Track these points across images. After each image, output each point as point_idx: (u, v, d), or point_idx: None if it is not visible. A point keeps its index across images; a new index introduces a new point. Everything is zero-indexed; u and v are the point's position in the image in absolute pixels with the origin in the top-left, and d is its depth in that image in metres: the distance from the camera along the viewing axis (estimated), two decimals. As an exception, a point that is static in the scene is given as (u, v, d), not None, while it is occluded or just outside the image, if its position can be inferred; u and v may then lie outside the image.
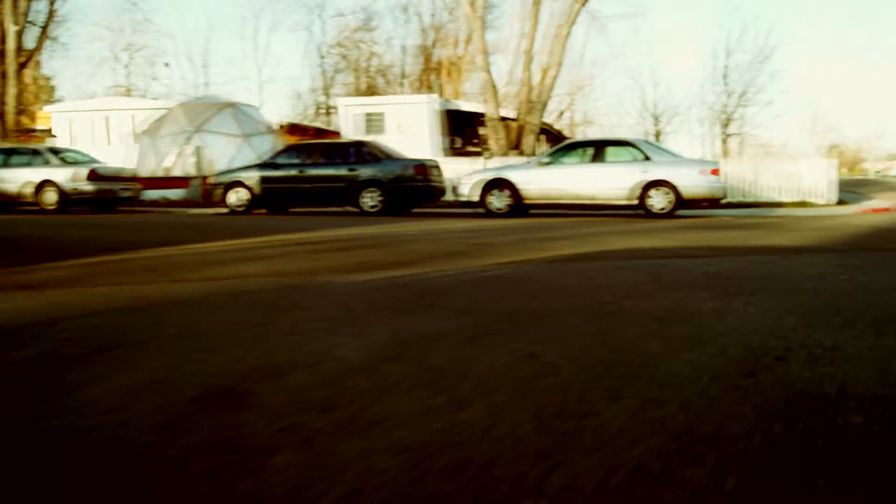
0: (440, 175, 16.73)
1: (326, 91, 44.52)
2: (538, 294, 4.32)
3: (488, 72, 21.67)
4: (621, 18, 56.61)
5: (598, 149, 14.48)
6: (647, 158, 13.89)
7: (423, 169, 15.81)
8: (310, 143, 18.68)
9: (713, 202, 13.95)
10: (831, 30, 79.65)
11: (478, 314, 3.66)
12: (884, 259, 6.46)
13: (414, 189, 15.59)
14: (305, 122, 32.60)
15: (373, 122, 26.21)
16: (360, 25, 46.08)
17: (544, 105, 22.02)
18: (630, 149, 14.37)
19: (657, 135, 41.49)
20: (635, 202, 13.83)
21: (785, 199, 17.95)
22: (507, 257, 6.45)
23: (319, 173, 16.13)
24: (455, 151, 25.90)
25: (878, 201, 19.55)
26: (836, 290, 4.31)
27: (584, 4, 21.31)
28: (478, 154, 22.31)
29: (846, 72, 77.79)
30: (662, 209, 13.61)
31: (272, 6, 65.81)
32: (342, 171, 15.94)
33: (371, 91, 41.58)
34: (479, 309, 3.81)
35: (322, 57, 46.13)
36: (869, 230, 10.08)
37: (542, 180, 14.40)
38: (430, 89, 41.94)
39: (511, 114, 23.62)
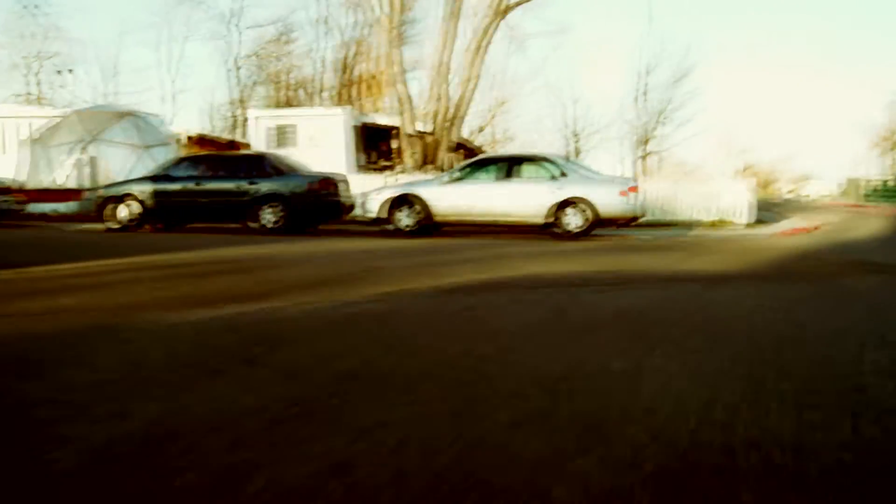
0: (348, 190, 15.64)
1: (243, 103, 42.87)
2: (400, 343, 3.32)
3: (404, 83, 20.77)
4: (543, 35, 56.84)
5: (511, 165, 13.68)
6: (562, 175, 13.15)
7: (329, 184, 14.68)
8: (207, 155, 17.32)
9: (630, 221, 13.30)
10: (747, 54, 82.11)
11: (307, 378, 2.64)
12: (816, 290, 5.72)
13: (318, 205, 14.44)
14: (215, 135, 30.95)
15: (284, 134, 24.92)
16: (276, 37, 44.69)
17: (461, 119, 21.22)
18: (545, 165, 13.61)
19: (576, 152, 41.37)
20: (550, 221, 13.05)
21: (702, 218, 17.57)
22: (391, 285, 5.45)
23: (217, 187, 14.81)
24: (371, 167, 24.85)
25: (793, 221, 19.42)
26: (776, 335, 3.46)
27: (502, 17, 20.66)
28: (393, 170, 21.34)
29: (760, 95, 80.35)
30: (578, 228, 12.87)
31: (186, 14, 63.37)
32: (241, 185, 14.66)
33: (289, 104, 40.20)
34: (313, 368, 2.78)
35: (238, 68, 44.52)
36: (790, 253, 9.50)
37: (453, 197, 13.48)
38: (350, 104, 40.83)
39: (428, 128, 22.72)
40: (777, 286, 5.78)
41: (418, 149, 20.34)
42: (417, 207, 13.54)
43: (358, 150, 25.12)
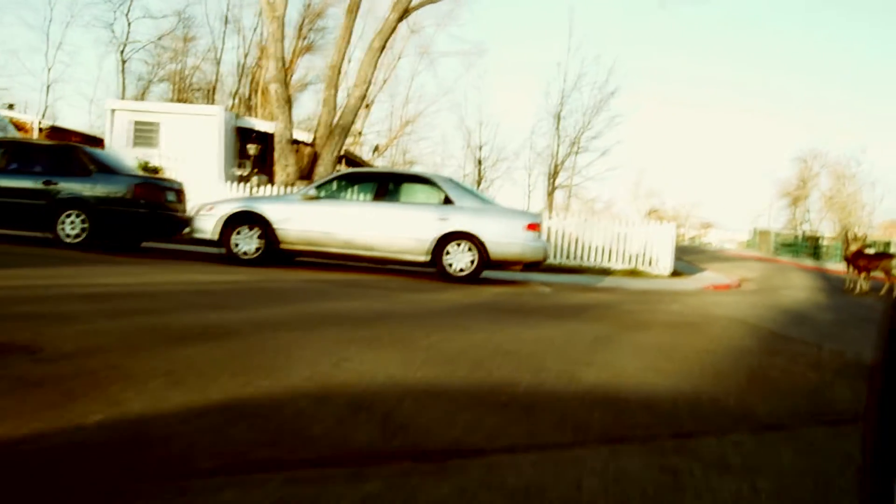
0: (183, 201, 12.32)
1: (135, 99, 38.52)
2: None
3: (281, 82, 17.56)
4: (456, 55, 54.50)
5: (384, 184, 10.69)
6: (448, 203, 10.26)
7: (153, 190, 11.35)
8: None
9: (532, 265, 10.48)
10: (660, 93, 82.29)
11: None
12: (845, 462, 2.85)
13: (136, 216, 11.04)
14: (75, 128, 26.81)
15: (143, 132, 21.26)
16: (170, 31, 40.67)
17: (346, 130, 18.16)
18: (428, 188, 10.70)
19: (478, 181, 38.79)
20: (427, 258, 10.11)
21: (615, 264, 15.04)
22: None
23: (8, 185, 11.25)
24: (245, 178, 21.39)
25: (714, 274, 17.18)
26: None
27: (401, 17, 17.82)
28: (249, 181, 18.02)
29: (669, 136, 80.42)
30: (462, 271, 9.98)
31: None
32: (37, 185, 11.16)
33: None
34: None
35: (124, 61, 40.21)
36: (745, 332, 6.80)
37: (305, 219, 10.38)
38: (251, 113, 37.20)
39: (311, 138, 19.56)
40: (783, 450, 2.90)
41: (292, 160, 17.15)
42: (259, 230, 10.37)
43: (235, 157, 21.72)
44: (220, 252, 10.70)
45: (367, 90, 18.15)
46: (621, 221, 15.43)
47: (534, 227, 10.10)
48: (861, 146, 79.26)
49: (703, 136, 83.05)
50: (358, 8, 18.71)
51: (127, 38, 39.21)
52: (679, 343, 5.35)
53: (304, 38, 41.98)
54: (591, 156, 45.08)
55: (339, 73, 19.11)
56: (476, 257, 9.98)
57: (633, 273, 14.51)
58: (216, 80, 39.77)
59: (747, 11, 77.24)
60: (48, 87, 39.77)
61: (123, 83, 38.60)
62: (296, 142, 18.50)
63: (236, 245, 10.46)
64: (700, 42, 78.03)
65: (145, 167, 20.35)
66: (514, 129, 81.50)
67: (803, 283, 16.65)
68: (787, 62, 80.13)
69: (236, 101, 42.10)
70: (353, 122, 18.52)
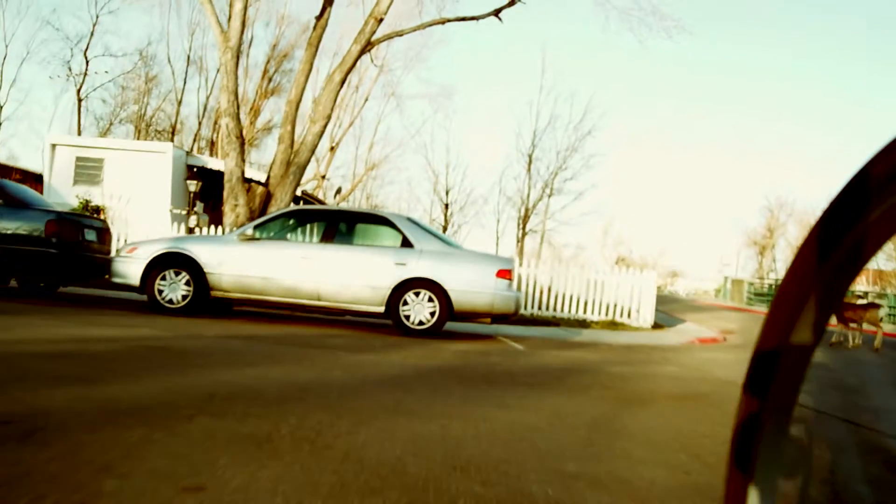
0: (107, 242, 10.86)
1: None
2: None
3: (233, 116, 16.23)
4: (424, 98, 53.70)
5: (334, 223, 9.34)
6: (407, 246, 8.94)
7: (69, 228, 9.90)
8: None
9: (502, 317, 9.14)
10: (629, 141, 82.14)
11: None
12: None
13: (46, 257, 9.55)
14: (12, 164, 25.14)
15: (86, 169, 19.77)
16: (130, 71, 39.24)
17: (303, 168, 16.83)
18: (384, 229, 9.39)
19: (445, 226, 37.50)
20: (381, 309, 8.75)
21: (592, 315, 13.78)
22: None
23: None
24: (186, 218, 19.87)
25: (695, 326, 16.00)
26: None
27: (364, 50, 16.66)
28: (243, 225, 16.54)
29: (634, 184, 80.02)
30: (421, 324, 8.63)
31: (28, 31, 56.15)
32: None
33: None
34: None
35: (80, 100, 38.63)
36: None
37: (242, 262, 8.98)
38: (215, 153, 35.77)
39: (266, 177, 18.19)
40: None
41: (243, 200, 15.75)
42: (187, 275, 8.96)
43: (186, 197, 20.25)
44: (144, 298, 9.24)
45: (325, 125, 16.87)
46: (598, 269, 14.21)
47: (505, 273, 8.80)
48: (828, 195, 79.32)
49: (670, 182, 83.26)
50: (319, 42, 17.57)
51: (84, 77, 37.71)
52: (700, 429, 4.02)
53: (270, 80, 40.90)
54: (566, 199, 43.59)
55: (298, 108, 17.85)
56: (438, 308, 8.64)
57: (613, 325, 13.25)
58: (176, 121, 38.31)
59: (720, 54, 78.02)
60: (0, 124, 38.03)
61: (79, 122, 36.99)
62: (248, 180, 17.17)
63: (160, 292, 9.02)
64: (670, 82, 78.47)
65: (85, 206, 18.81)
66: (484, 172, 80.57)
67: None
68: (756, 104, 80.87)
69: (199, 142, 40.69)
70: (309, 160, 17.21)
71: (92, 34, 37.17)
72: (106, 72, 39.94)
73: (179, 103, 37.99)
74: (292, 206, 9.75)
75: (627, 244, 66.38)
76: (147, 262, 9.04)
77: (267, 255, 9.02)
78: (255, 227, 9.25)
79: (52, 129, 37.82)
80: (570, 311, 13.86)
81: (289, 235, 9.59)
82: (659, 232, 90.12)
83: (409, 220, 9.38)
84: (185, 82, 36.93)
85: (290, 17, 36.72)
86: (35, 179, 21.94)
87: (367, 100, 36.91)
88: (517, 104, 61.45)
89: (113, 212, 19.35)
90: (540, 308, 13.84)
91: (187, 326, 7.40)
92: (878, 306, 13.72)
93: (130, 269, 9.10)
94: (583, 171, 39.60)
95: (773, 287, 36.60)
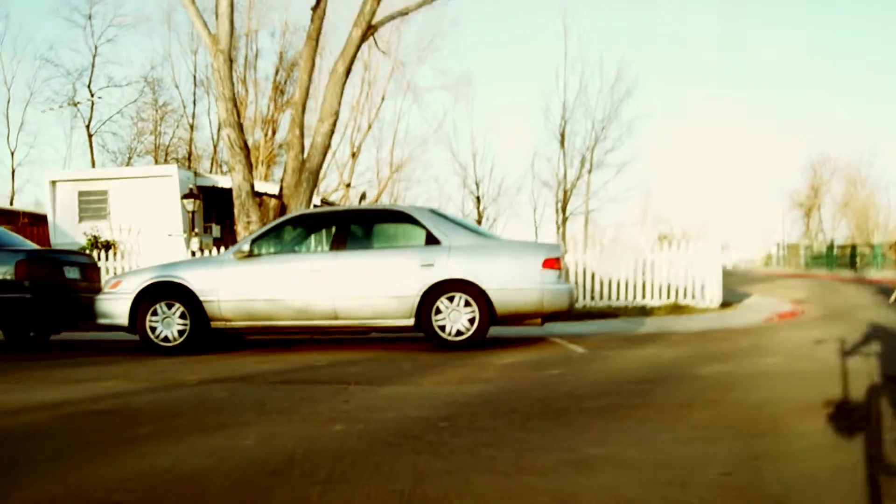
0: (95, 279, 9.63)
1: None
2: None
3: (236, 126, 14.95)
4: (442, 89, 52.11)
5: (344, 226, 7.94)
6: (433, 241, 7.51)
7: (45, 268, 8.70)
8: None
9: (554, 316, 7.66)
10: (662, 111, 78.86)
11: None
12: None
13: (17, 304, 8.31)
14: (10, 207, 24.28)
15: (91, 203, 18.72)
16: (135, 99, 38.40)
17: (316, 173, 15.49)
18: (404, 226, 8.00)
19: (479, 220, 35.86)
20: (411, 322, 7.34)
21: (651, 300, 12.21)
22: None
23: None
24: (217, 243, 18.67)
25: (764, 299, 14.33)
26: None
27: (365, 35, 15.30)
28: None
29: (675, 159, 76.82)
30: (459, 334, 7.21)
31: (29, 72, 55.47)
32: None
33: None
34: None
35: (90, 136, 37.94)
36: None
37: (241, 285, 7.66)
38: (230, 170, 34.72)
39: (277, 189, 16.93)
40: None
41: (255, 216, 14.46)
42: (181, 307, 7.67)
43: (199, 221, 19.10)
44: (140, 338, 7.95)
45: (334, 123, 15.51)
46: (654, 248, 12.63)
47: (553, 263, 7.32)
48: (871, 148, 76.35)
49: (707, 152, 79.82)
50: (318, 35, 16.22)
51: (92, 112, 37.01)
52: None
53: (283, 93, 39.67)
54: (607, 173, 41.18)
55: (304, 110, 16.55)
56: (477, 314, 7.21)
57: (677, 309, 11.67)
58: (191, 145, 37.40)
59: (743, 17, 75.16)
60: (13, 171, 37.50)
61: (93, 159, 36.25)
62: (259, 194, 15.91)
63: (153, 330, 7.73)
64: (697, 50, 75.58)
65: (95, 242, 17.74)
66: (515, 158, 77.71)
67: (866, 301, 13.72)
68: (787, 67, 77.77)
69: (216, 164, 39.75)
70: (322, 164, 15.88)
71: (93, 66, 36.40)
72: (117, 107, 39.23)
73: (192, 127, 37.08)
74: (293, 213, 8.40)
75: (668, 221, 63.71)
76: (135, 295, 7.74)
77: (270, 273, 7.67)
78: (253, 242, 7.89)
79: (68, 170, 37.17)
80: (626, 297, 12.31)
81: (292, 247, 8.23)
82: (699, 205, 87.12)
83: (433, 211, 7.95)
84: (194, 104, 36.03)
85: (296, 24, 35.25)
86: (36, 220, 21.02)
87: (383, 99, 35.57)
88: (542, 78, 58.69)
89: (124, 245, 18.26)
90: (593, 298, 12.32)
91: (173, 371, 6.06)
92: None
93: (115, 306, 7.82)
94: (624, 139, 36.66)
95: (831, 249, 34.49)
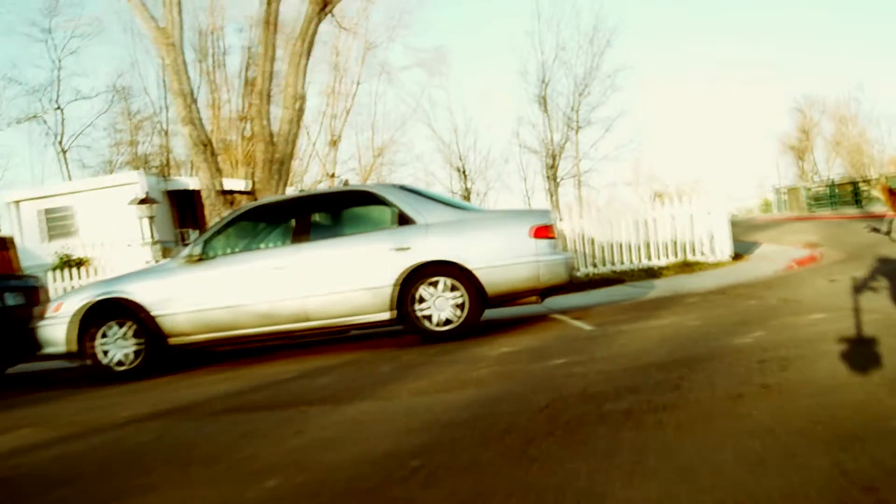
0: (42, 302, 8.66)
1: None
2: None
3: (194, 123, 13.93)
4: (417, 67, 50.70)
5: (304, 215, 6.98)
6: (406, 221, 6.54)
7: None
8: None
9: (552, 291, 6.71)
10: (642, 62, 77.20)
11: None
12: None
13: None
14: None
15: (57, 221, 17.69)
16: (105, 110, 37.20)
17: (286, 163, 14.50)
18: (372, 209, 7.03)
19: (466, 196, 34.67)
20: (392, 315, 6.40)
21: (658, 260, 11.27)
22: None
23: None
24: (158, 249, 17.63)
25: (776, 246, 13.42)
26: None
27: (323, 9, 14.24)
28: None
29: (660, 111, 75.00)
30: (448, 322, 6.28)
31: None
32: None
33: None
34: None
35: (64, 151, 36.80)
36: None
37: (196, 293, 6.71)
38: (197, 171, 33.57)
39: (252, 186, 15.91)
40: None
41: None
42: (134, 324, 6.74)
43: (172, 226, 18.11)
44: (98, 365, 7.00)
45: (301, 108, 14.51)
46: (655, 205, 11.66)
47: (545, 231, 6.37)
48: (857, 83, 75.08)
49: (694, 104, 78.51)
50: (275, 18, 15.16)
51: (63, 127, 35.82)
52: None
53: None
54: (596, 132, 39.79)
55: (269, 100, 15.51)
56: (465, 298, 6.28)
57: (687, 266, 10.74)
58: (167, 150, 36.21)
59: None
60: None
61: (69, 175, 35.07)
62: (232, 192, 14.91)
63: (105, 353, 6.78)
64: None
65: (67, 262, 16.73)
66: (500, 129, 76.11)
67: (881, 237, 12.78)
68: (757, 12, 76.25)
69: (194, 168, 38.52)
70: (293, 153, 14.90)
71: (59, 80, 35.17)
72: (89, 120, 38.05)
73: (167, 133, 35.85)
74: (245, 205, 7.40)
75: (660, 179, 62.22)
76: (78, 317, 6.79)
77: (226, 277, 6.72)
78: (205, 243, 6.92)
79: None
80: (630, 260, 11.37)
81: (251, 244, 7.26)
82: (690, 159, 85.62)
83: (402, 187, 6.97)
84: (166, 109, 34.73)
85: (261, 16, 34.04)
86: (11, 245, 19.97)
87: (359, 83, 34.38)
88: (517, 40, 56.98)
89: (98, 260, 17.25)
90: (595, 265, 11.38)
91: (109, 406, 5.12)
92: None
93: (56, 332, 6.87)
94: (609, 93, 34.85)
95: (832, 188, 33.56)
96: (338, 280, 6.46)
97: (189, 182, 18.54)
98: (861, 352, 3.49)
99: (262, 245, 7.17)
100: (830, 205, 31.91)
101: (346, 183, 33.01)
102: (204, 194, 14.26)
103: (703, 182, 48.05)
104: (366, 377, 4.91)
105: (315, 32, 14.44)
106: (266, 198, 9.48)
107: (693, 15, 72.84)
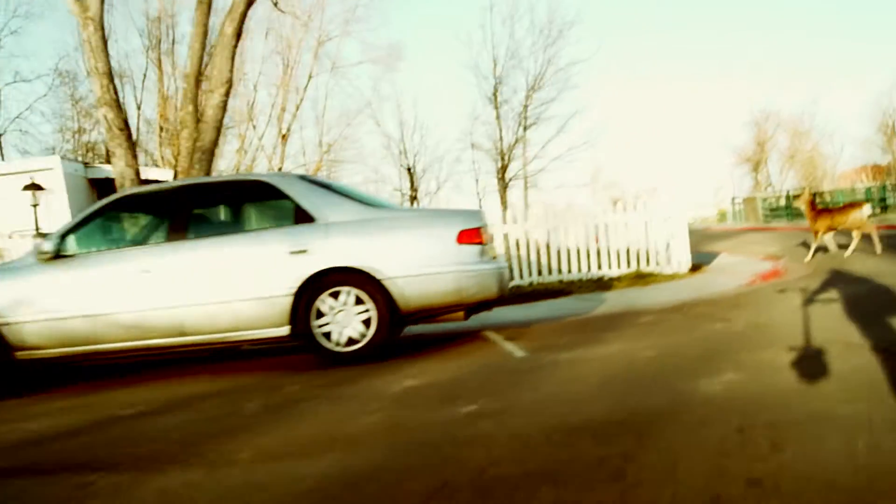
0: None
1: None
2: None
3: (114, 105, 12.52)
4: (372, 63, 49.20)
5: (184, 207, 5.76)
6: (305, 218, 5.37)
7: None
8: None
9: (480, 306, 5.61)
10: (603, 72, 76.82)
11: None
12: None
13: None
14: None
15: (-37, 209, 15.99)
16: (45, 94, 35.12)
17: (210, 151, 13.17)
18: (272, 204, 5.85)
19: (414, 197, 33.40)
20: (287, 330, 5.24)
21: (609, 270, 10.26)
22: None
23: None
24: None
25: (735, 258, 12.55)
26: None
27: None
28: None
29: (618, 119, 74.38)
30: (353, 342, 5.15)
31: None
32: None
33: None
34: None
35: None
36: None
37: (49, 298, 5.47)
38: (166, 164, 31.81)
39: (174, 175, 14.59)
40: None
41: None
42: (-38, 336, 5.44)
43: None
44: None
45: (227, 93, 13.22)
46: (609, 210, 10.65)
47: (472, 235, 5.27)
48: (812, 98, 75.92)
49: (652, 112, 78.45)
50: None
51: (-2, 110, 33.66)
52: None
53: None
54: (549, 129, 38.61)
55: (199, 84, 14.21)
56: (374, 313, 5.14)
57: (640, 278, 9.75)
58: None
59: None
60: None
61: (2, 157, 32.94)
62: (147, 182, 13.55)
63: (-66, 369, 5.49)
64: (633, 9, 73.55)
65: (-30, 253, 15.12)
66: (453, 128, 74.19)
67: (837, 252, 12.02)
68: (735, 16, 76.38)
69: (150, 158, 36.49)
70: (217, 141, 13.56)
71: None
72: (26, 109, 36.00)
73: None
74: (115, 195, 6.14)
75: (618, 185, 61.58)
76: None
77: (87, 279, 5.48)
78: (62, 238, 5.66)
79: None
80: (578, 269, 10.35)
81: (120, 241, 6.03)
82: (647, 167, 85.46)
83: (303, 178, 5.80)
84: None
85: (216, 5, 32.47)
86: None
87: (310, 77, 32.97)
88: (470, 34, 55.30)
89: (7, 251, 15.70)
90: (540, 274, 10.33)
91: None
92: (859, 205, 10.32)
93: None
94: (563, 88, 33.53)
95: (790, 199, 33.17)
96: (221, 287, 5.28)
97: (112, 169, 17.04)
98: (880, 416, 2.44)
99: (132, 243, 5.95)
100: (787, 216, 31.54)
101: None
102: (118, 182, 12.86)
103: (661, 189, 47.39)
104: (223, 418, 3.76)
105: (245, 14, 13.14)
106: (142, 187, 8.19)
107: (659, 23, 72.80)
